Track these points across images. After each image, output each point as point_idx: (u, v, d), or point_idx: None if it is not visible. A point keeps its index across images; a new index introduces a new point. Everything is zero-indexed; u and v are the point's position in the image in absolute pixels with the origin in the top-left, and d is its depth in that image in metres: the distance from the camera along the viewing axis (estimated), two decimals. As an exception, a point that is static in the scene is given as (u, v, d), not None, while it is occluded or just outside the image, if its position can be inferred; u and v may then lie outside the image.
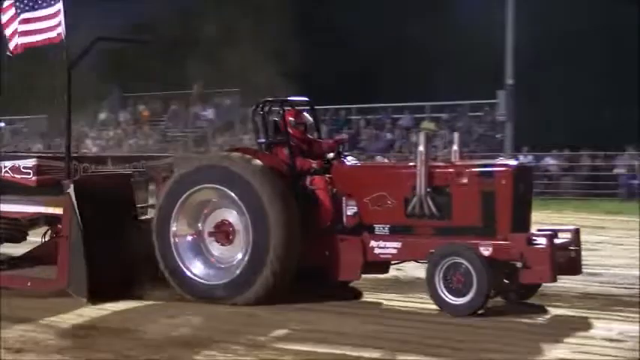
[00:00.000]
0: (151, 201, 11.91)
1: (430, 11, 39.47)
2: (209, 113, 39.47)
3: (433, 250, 10.03)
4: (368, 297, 11.13)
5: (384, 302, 10.84)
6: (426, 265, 10.05)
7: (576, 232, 10.33)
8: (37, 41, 11.17)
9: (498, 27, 32.50)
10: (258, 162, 10.52)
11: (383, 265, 10.88)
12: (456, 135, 10.95)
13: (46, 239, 11.93)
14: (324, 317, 9.83)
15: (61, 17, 10.97)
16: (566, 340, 8.77)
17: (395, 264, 10.92)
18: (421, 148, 10.15)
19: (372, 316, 9.97)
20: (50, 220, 11.61)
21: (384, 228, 10.52)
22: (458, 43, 36.30)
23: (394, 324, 9.49)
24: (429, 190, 10.17)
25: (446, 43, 36.61)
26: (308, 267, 10.56)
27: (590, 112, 33.21)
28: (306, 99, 11.75)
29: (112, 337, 9.05)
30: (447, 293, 9.86)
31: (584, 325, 9.49)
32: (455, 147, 10.89)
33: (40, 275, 11.19)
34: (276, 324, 9.52)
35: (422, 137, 10.18)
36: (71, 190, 10.50)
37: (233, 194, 10.46)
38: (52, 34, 11.00)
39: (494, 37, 32.89)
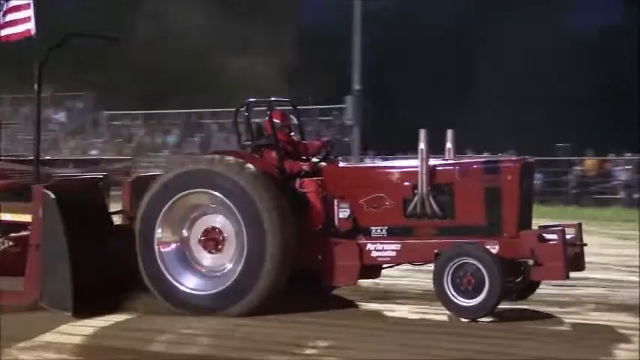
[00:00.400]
0: (113, 207, 11.11)
1: (278, 13, 39.53)
2: (61, 116, 38.68)
3: (438, 251, 9.71)
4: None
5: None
6: (433, 267, 9.72)
7: (579, 228, 10.19)
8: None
9: (345, 31, 32.76)
10: (251, 166, 9.93)
11: (375, 270, 10.47)
12: (449, 132, 10.63)
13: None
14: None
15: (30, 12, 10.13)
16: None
17: (390, 266, 10.50)
18: (422, 145, 9.81)
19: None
20: (4, 228, 10.68)
21: (381, 230, 10.10)
22: (306, 48, 36.54)
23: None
24: (430, 188, 9.84)
25: (294, 46, 36.78)
26: (297, 271, 10.05)
27: (435, 116, 33.81)
28: (288, 100, 11.26)
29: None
30: (457, 295, 9.57)
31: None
32: (449, 144, 10.63)
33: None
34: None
35: (422, 135, 9.84)
36: (51, 196, 9.63)
37: (225, 199, 9.83)
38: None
39: (341, 41, 33.11)
